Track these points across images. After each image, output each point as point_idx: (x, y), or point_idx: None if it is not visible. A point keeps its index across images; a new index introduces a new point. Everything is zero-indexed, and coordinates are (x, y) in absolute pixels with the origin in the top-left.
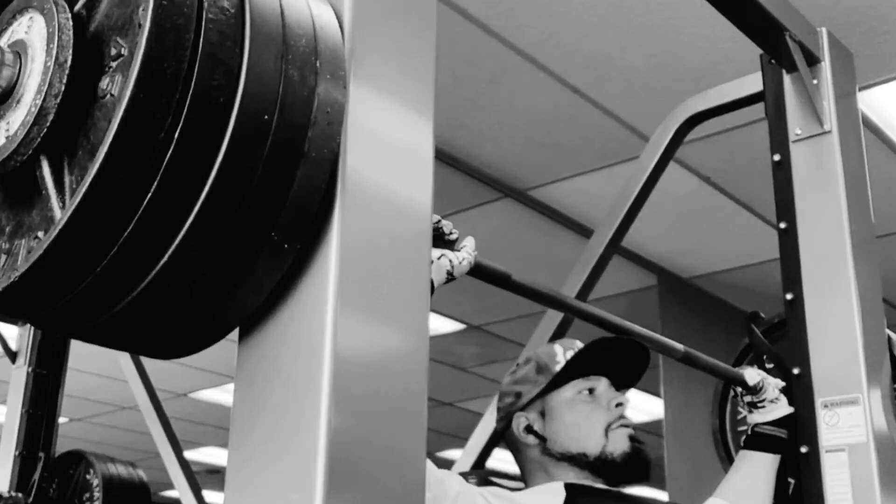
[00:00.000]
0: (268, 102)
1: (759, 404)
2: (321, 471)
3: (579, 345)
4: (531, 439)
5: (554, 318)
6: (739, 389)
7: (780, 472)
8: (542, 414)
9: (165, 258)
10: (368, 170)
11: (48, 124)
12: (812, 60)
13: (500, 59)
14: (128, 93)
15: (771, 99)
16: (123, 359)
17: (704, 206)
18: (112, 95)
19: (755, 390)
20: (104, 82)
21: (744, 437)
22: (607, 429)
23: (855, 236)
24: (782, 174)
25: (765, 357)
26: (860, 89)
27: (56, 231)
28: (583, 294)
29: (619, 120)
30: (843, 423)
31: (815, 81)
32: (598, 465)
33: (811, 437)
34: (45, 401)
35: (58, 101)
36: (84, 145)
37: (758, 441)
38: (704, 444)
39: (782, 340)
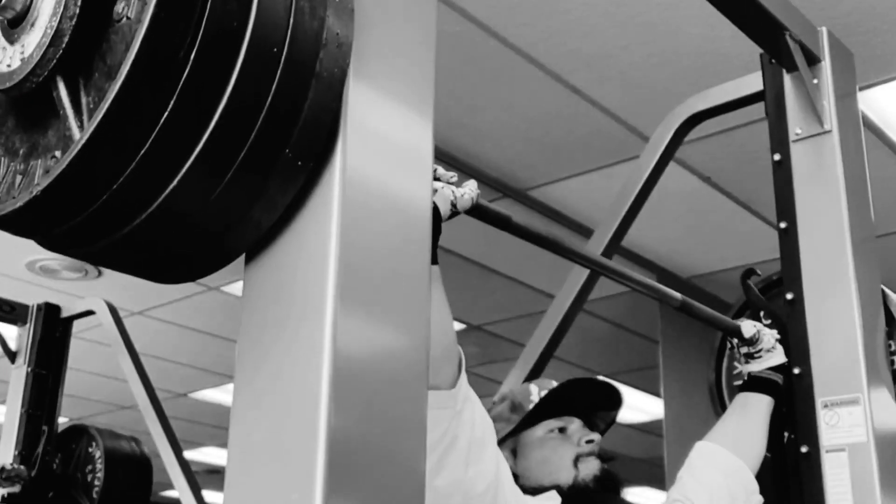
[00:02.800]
0: (280, 26)
1: (755, 354)
2: (321, 469)
3: (554, 384)
4: None
5: (555, 316)
6: (736, 341)
7: (776, 425)
8: (514, 452)
9: (181, 175)
10: (368, 169)
11: (64, 46)
12: (812, 60)
13: (500, 58)
14: (149, 12)
15: (771, 98)
16: (123, 359)
17: (704, 206)
18: (128, 18)
19: (752, 341)
20: (119, 6)
21: (739, 384)
22: (576, 460)
23: (855, 236)
24: (782, 174)
25: (762, 313)
26: (860, 89)
27: (78, 147)
28: (583, 294)
29: (619, 120)
30: (844, 423)
31: (815, 81)
32: (572, 493)
33: (811, 437)
34: (45, 401)
35: (73, 23)
36: (101, 67)
37: (754, 385)
38: None
39: (778, 297)
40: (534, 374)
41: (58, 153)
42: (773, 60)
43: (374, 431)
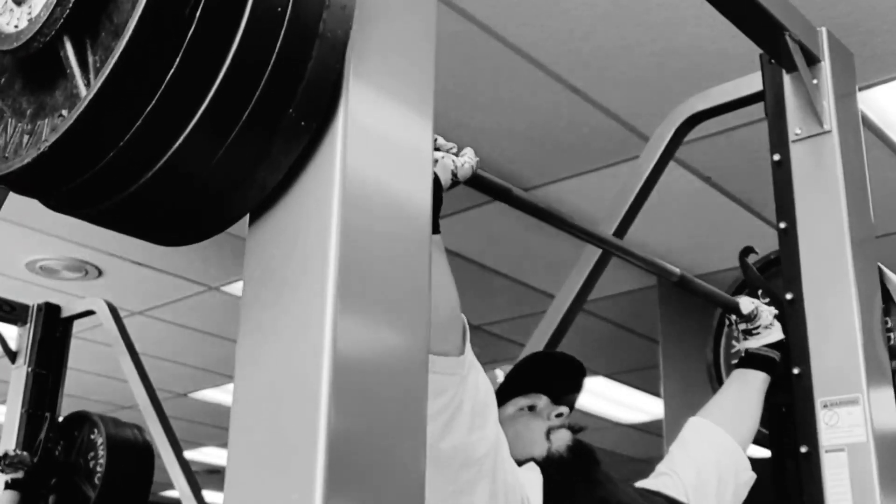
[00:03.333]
0: None
1: (753, 331)
2: (321, 467)
3: None
4: None
5: (555, 315)
6: (734, 318)
7: (773, 399)
8: None
9: (186, 134)
10: (368, 169)
11: (71, 5)
12: (812, 60)
13: (500, 58)
14: None
15: (771, 99)
16: (123, 359)
17: (704, 206)
18: None
19: (750, 318)
20: None
21: (736, 361)
22: (548, 433)
23: (855, 236)
24: (782, 174)
25: (759, 291)
26: (860, 89)
27: (85, 103)
28: (583, 294)
29: (619, 120)
30: (843, 423)
31: (814, 81)
32: (547, 465)
33: (811, 437)
34: (45, 401)
35: None
36: (107, 27)
37: (751, 361)
38: None
39: (776, 276)
40: None
41: (65, 112)
42: (773, 60)
43: (374, 424)
